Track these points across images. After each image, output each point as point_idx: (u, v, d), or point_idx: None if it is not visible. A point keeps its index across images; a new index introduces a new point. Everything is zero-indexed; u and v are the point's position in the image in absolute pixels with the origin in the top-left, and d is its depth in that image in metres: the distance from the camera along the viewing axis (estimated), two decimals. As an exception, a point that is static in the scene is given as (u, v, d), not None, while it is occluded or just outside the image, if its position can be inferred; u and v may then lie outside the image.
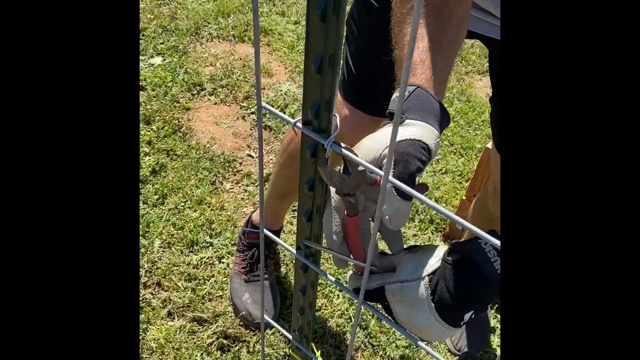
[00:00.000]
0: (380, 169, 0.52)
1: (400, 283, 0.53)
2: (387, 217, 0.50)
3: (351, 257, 0.55)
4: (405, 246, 0.57)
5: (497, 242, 0.36)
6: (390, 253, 0.58)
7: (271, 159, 1.77)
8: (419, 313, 0.52)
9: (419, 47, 0.60)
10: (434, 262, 0.52)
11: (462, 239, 1.46)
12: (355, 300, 0.55)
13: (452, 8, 0.63)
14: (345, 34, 1.04)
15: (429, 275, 0.52)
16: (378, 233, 0.58)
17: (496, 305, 1.46)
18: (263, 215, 0.51)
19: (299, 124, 0.46)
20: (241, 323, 1.33)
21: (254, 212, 1.43)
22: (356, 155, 0.46)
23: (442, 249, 0.54)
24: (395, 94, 0.58)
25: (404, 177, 0.50)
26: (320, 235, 0.58)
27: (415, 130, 0.53)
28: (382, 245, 1.33)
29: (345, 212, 0.53)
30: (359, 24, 0.99)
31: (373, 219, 0.55)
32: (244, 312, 1.32)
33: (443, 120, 0.56)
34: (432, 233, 1.63)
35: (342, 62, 1.05)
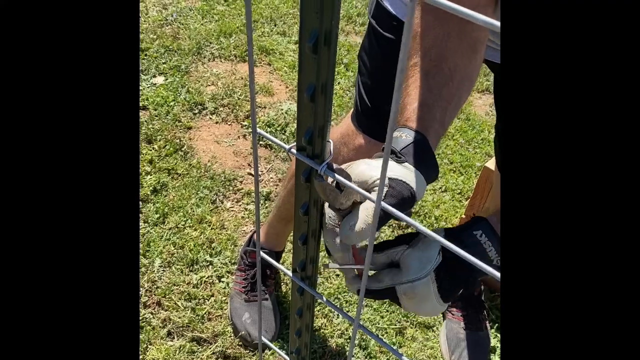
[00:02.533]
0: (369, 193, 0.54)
1: (411, 283, 0.56)
2: (356, 229, 0.52)
3: (354, 263, 0.58)
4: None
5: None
6: (385, 246, 0.60)
7: (271, 177, 1.78)
8: (427, 303, 0.57)
9: (422, 100, 0.64)
10: (435, 256, 0.57)
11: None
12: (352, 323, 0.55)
13: (455, 64, 0.66)
14: (358, 66, 1.06)
15: (434, 270, 0.56)
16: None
17: (497, 324, 1.45)
18: (259, 238, 0.51)
19: (294, 150, 0.46)
20: (240, 343, 1.33)
21: (255, 231, 1.44)
22: (349, 175, 0.49)
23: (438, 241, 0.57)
24: (398, 133, 0.61)
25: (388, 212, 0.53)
26: (316, 258, 0.58)
27: (410, 176, 0.56)
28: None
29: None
30: (370, 56, 1.01)
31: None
32: (243, 332, 1.32)
33: (433, 174, 0.60)
34: (432, 251, 1.63)
35: (355, 93, 1.07)
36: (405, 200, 0.54)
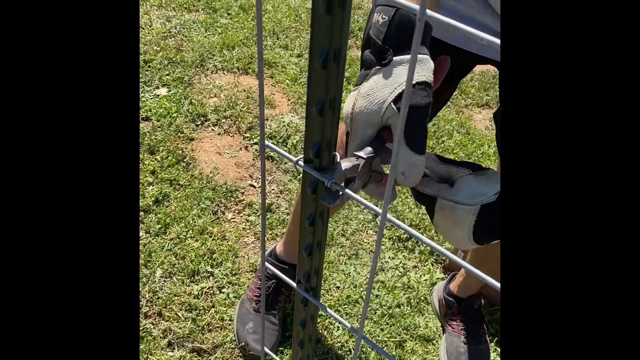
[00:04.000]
0: (387, 127, 0.53)
1: (454, 203, 0.55)
2: (401, 173, 0.52)
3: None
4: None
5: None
6: (450, 162, 0.58)
7: (272, 189, 1.79)
8: (457, 230, 0.55)
9: None
10: (491, 194, 0.54)
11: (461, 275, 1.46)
12: (355, 334, 0.56)
13: None
14: (360, 58, 1.07)
15: (482, 205, 0.54)
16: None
17: (496, 338, 1.46)
18: (264, 255, 0.52)
19: (301, 162, 0.48)
20: (240, 354, 1.33)
21: (278, 243, 1.44)
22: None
23: (499, 182, 0.55)
24: (379, 16, 0.54)
25: (415, 131, 0.51)
26: (321, 268, 0.59)
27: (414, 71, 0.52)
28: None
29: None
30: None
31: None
32: (242, 343, 1.32)
33: (428, 36, 0.53)
34: (432, 265, 1.64)
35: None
36: (423, 107, 0.50)
